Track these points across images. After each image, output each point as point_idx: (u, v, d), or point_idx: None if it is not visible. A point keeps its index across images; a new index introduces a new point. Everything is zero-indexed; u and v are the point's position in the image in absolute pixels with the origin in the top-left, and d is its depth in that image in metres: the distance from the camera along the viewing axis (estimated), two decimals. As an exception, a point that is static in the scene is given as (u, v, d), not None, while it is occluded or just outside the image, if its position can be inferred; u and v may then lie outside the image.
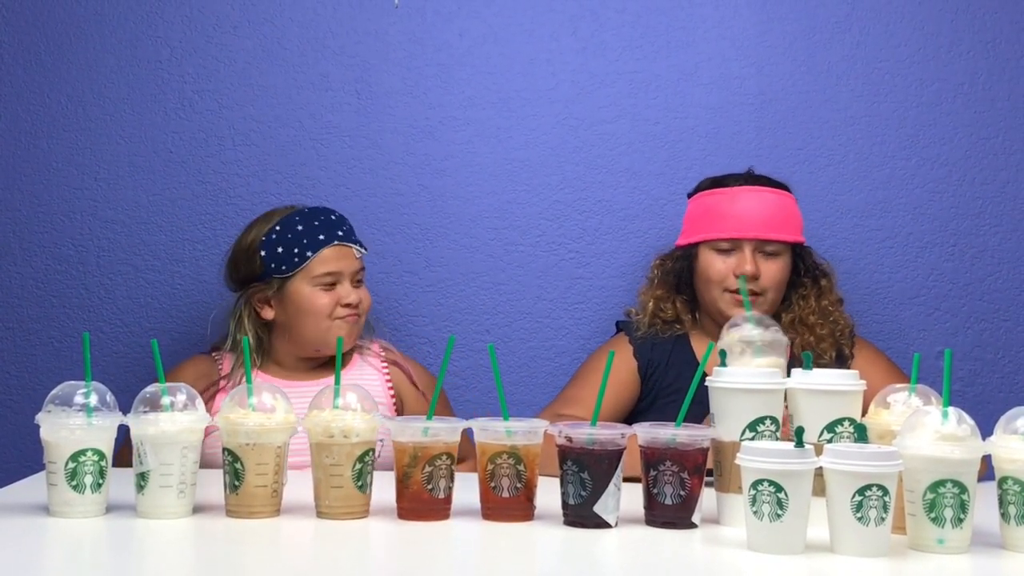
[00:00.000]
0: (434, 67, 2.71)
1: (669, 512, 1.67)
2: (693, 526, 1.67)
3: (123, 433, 1.74)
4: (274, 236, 2.34)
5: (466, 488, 1.77)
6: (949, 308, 2.70)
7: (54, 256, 2.68)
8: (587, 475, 1.66)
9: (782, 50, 2.71)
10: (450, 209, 2.71)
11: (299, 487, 1.79)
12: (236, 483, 1.69)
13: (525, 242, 2.71)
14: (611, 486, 1.66)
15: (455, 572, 1.53)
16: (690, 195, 2.50)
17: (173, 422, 1.68)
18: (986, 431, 1.61)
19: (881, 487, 1.51)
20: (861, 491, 1.51)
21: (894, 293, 2.70)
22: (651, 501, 1.68)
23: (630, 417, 2.42)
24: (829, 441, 1.65)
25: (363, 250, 2.39)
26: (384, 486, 1.76)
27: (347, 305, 2.33)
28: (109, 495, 1.72)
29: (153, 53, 2.70)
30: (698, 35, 2.71)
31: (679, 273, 2.45)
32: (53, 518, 1.68)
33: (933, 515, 1.55)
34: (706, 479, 1.69)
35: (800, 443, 1.55)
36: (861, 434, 1.61)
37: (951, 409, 1.57)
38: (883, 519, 1.51)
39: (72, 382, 1.73)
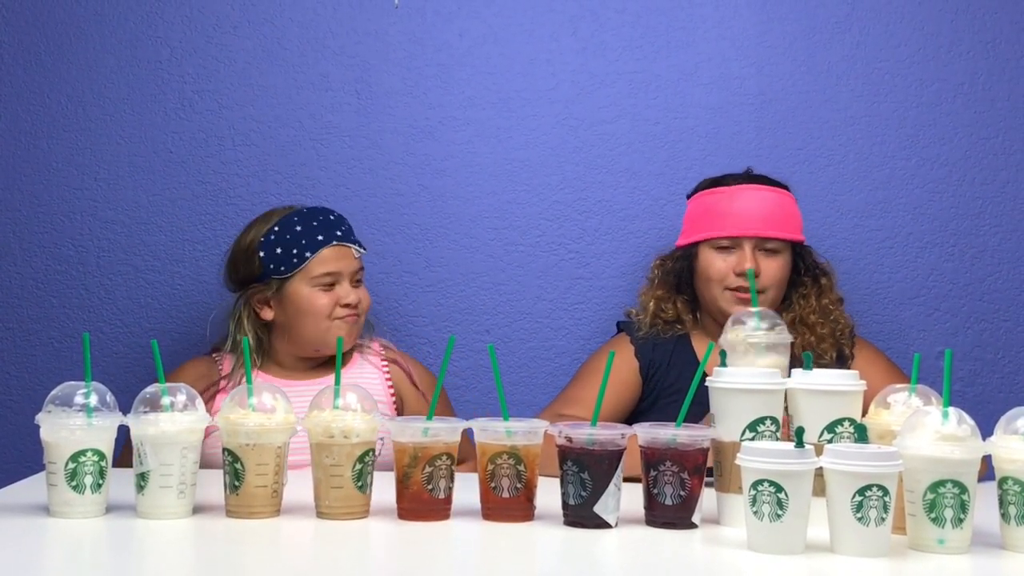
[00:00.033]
0: (434, 67, 2.71)
1: (669, 512, 1.67)
2: (693, 526, 1.67)
3: (124, 434, 1.74)
4: (273, 237, 2.34)
5: (466, 488, 1.77)
6: (949, 308, 2.70)
7: (54, 256, 2.68)
8: (587, 475, 1.66)
9: (782, 50, 2.71)
10: (450, 209, 2.71)
11: (299, 487, 1.79)
12: (236, 483, 1.69)
13: (525, 242, 2.71)
14: (611, 486, 1.66)
15: (455, 572, 1.53)
16: (689, 196, 2.50)
17: (173, 422, 1.68)
18: (986, 431, 1.60)
19: (881, 487, 1.51)
20: (861, 491, 1.51)
21: (894, 293, 2.70)
22: (651, 501, 1.68)
23: (631, 417, 2.42)
24: (829, 441, 1.65)
25: (362, 250, 2.39)
26: (384, 486, 1.76)
27: (346, 305, 2.33)
28: (109, 495, 1.72)
29: (153, 53, 2.70)
30: (698, 35, 2.71)
31: (679, 273, 2.45)
32: (53, 518, 1.68)
33: (933, 515, 1.55)
34: (706, 479, 1.69)
35: (800, 443, 1.55)
36: (861, 434, 1.61)
37: (951, 409, 1.57)
38: (883, 519, 1.51)
39: (72, 382, 1.73)
